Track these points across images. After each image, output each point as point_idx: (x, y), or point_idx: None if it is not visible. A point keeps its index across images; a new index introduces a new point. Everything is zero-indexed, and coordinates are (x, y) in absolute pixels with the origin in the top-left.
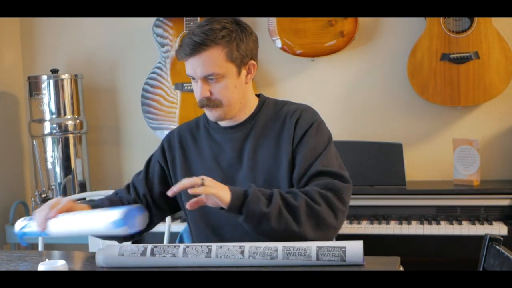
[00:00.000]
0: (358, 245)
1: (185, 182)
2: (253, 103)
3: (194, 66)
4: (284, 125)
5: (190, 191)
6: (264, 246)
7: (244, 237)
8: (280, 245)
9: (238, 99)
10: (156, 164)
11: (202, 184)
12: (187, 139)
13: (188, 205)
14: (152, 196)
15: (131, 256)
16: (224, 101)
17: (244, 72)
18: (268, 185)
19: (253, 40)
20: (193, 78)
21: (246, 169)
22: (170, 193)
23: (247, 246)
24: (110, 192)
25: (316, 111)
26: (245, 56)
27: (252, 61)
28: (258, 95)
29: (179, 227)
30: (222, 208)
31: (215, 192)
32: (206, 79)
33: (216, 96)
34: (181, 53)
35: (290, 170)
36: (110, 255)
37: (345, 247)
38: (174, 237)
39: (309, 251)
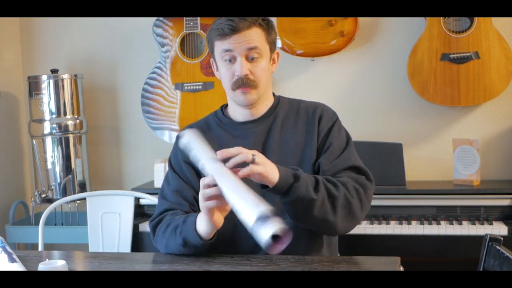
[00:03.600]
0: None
1: (237, 159)
2: (271, 97)
3: (236, 41)
4: (306, 120)
5: (240, 173)
6: None
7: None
8: None
9: (267, 85)
10: (183, 165)
11: (253, 161)
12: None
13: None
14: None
15: None
16: (260, 83)
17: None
18: None
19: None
20: (229, 60)
21: None
22: (219, 156)
23: None
24: (110, 191)
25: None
26: (274, 44)
27: (277, 51)
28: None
29: None
30: (264, 186)
31: (264, 171)
32: (247, 57)
33: (255, 75)
34: (220, 31)
35: (314, 164)
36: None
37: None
38: None
39: None
